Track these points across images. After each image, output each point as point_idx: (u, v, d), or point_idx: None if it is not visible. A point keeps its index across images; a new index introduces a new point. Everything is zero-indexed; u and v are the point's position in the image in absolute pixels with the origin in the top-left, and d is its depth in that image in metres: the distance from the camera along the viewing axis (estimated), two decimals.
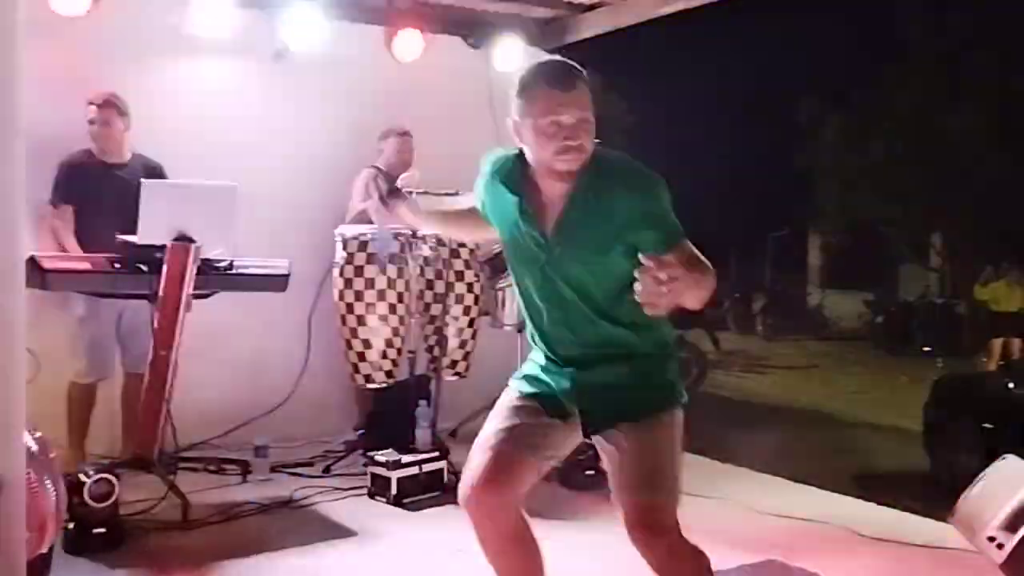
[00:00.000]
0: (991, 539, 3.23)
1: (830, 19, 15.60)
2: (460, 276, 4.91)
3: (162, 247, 3.99)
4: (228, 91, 5.41)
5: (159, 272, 4.02)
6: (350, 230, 4.76)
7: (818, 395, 10.06)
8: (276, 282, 4.45)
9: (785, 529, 4.05)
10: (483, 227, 2.60)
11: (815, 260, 24.84)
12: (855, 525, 4.01)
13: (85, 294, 4.43)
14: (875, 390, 10.72)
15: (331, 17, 5.36)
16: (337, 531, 3.99)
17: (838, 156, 17.96)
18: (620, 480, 2.33)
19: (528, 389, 2.47)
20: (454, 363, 5.00)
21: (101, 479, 3.62)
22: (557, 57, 2.43)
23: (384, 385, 4.83)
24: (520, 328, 4.93)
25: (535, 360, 2.51)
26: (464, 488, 2.43)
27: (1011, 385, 6.59)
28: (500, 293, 4.98)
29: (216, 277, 4.24)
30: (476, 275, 4.96)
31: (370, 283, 4.68)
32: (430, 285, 4.85)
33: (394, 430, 4.59)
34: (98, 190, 4.49)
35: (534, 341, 2.50)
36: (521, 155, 2.39)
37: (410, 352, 4.82)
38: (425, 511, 4.23)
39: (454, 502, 4.05)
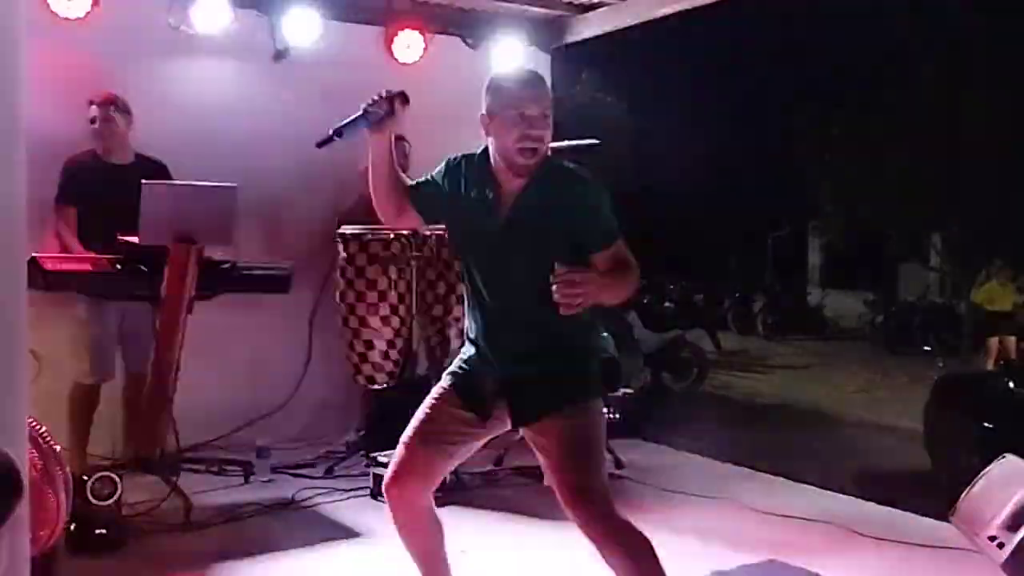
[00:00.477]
0: (992, 538, 3.24)
1: (831, 18, 15.60)
2: (462, 277, 4.90)
3: (164, 248, 4.01)
4: (228, 92, 5.42)
5: (161, 273, 4.03)
6: (351, 231, 4.77)
7: (818, 395, 10.05)
8: (279, 283, 4.47)
9: (785, 529, 4.06)
10: (402, 206, 2.69)
11: (815, 260, 24.85)
12: (855, 525, 4.02)
13: (86, 295, 4.44)
14: (875, 390, 10.72)
15: (330, 17, 5.38)
16: (339, 532, 4.00)
17: (838, 156, 17.95)
18: (555, 465, 2.54)
19: (453, 383, 2.67)
20: None
21: (104, 477, 3.63)
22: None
23: (386, 386, 4.84)
24: None
25: (466, 355, 2.69)
26: (384, 479, 2.72)
27: (1012, 384, 6.58)
28: None
29: (218, 278, 4.25)
30: None
31: (372, 284, 4.68)
32: (432, 286, 4.85)
33: (396, 431, 4.56)
34: (102, 191, 4.49)
35: (471, 336, 2.69)
36: (484, 153, 2.63)
37: (412, 353, 4.83)
38: None
39: (456, 503, 4.10)
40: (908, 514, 4.24)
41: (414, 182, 2.72)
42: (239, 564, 3.59)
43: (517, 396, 2.60)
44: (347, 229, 4.77)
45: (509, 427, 2.66)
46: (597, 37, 6.22)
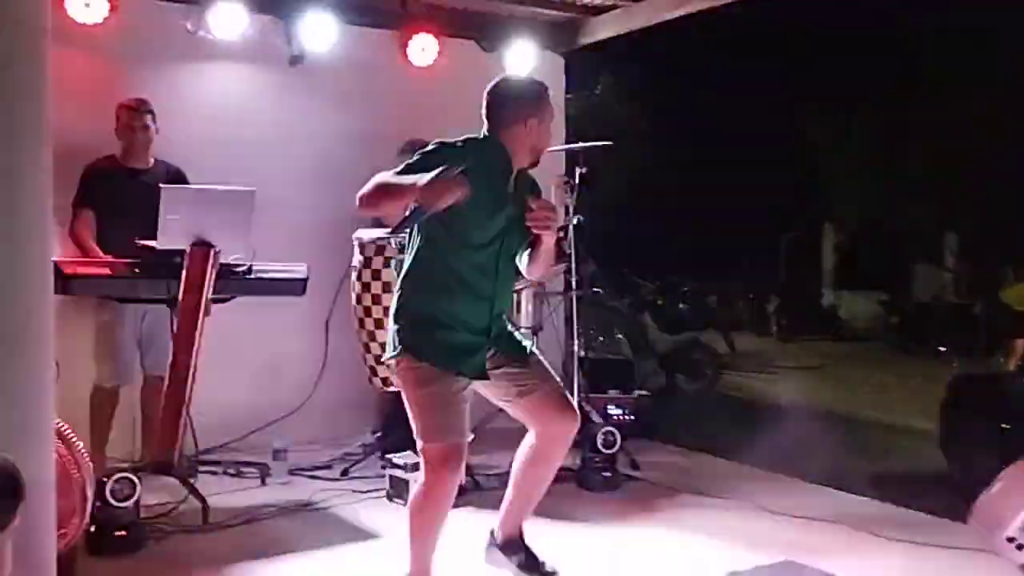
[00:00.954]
0: (1010, 540, 3.24)
1: (844, 19, 15.54)
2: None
3: (182, 252, 4.04)
4: (245, 96, 5.47)
5: (179, 277, 4.06)
6: (367, 234, 4.79)
7: (833, 395, 10.00)
8: (294, 286, 4.49)
9: (800, 530, 4.06)
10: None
11: (829, 261, 24.74)
12: (871, 525, 4.01)
13: (105, 299, 4.47)
14: (890, 390, 10.66)
15: (346, 22, 5.41)
16: (356, 533, 4.02)
17: (852, 156, 17.90)
18: (543, 383, 3.19)
19: (456, 372, 3.05)
20: None
21: (124, 479, 3.66)
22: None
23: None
24: (536, 330, 4.94)
25: (452, 340, 3.04)
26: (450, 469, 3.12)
27: None
28: (516, 295, 4.99)
29: (235, 281, 4.28)
30: None
31: (388, 287, 4.69)
32: None
33: (411, 433, 4.59)
34: (122, 195, 4.53)
35: (456, 319, 3.03)
36: (496, 142, 3.06)
37: None
38: None
39: (472, 503, 4.11)
40: (924, 515, 4.23)
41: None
42: (256, 565, 3.62)
43: (499, 346, 3.13)
44: (363, 232, 4.79)
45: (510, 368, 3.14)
46: (611, 39, 6.24)
